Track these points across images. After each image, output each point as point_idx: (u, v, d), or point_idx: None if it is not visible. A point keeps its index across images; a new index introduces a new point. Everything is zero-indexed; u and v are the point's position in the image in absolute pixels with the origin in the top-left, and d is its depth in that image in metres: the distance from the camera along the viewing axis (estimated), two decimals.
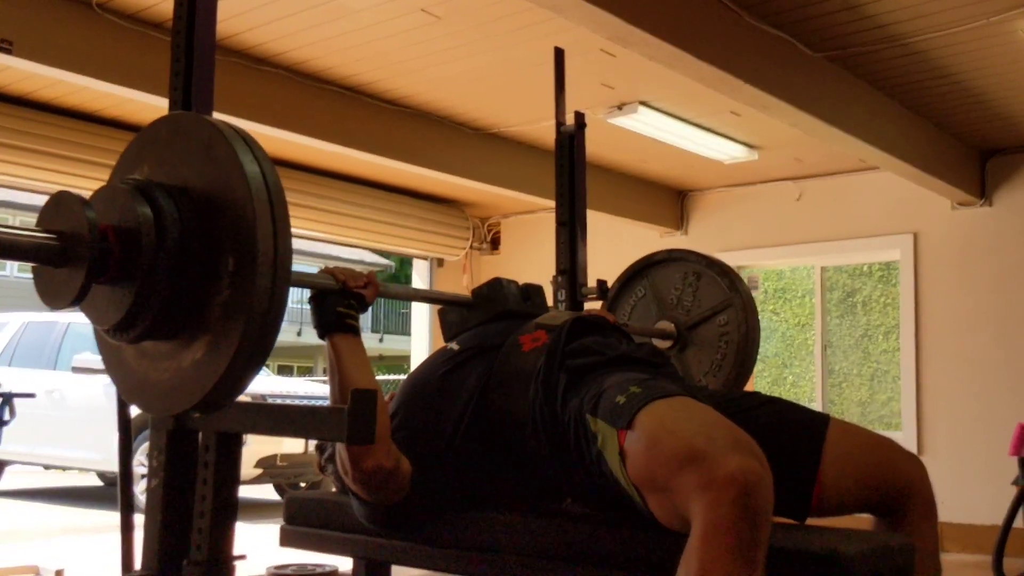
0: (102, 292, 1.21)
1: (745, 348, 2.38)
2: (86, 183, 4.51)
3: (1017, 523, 3.54)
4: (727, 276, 2.45)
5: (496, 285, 1.88)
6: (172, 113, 1.48)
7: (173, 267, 1.17)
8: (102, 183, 1.30)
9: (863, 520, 1.56)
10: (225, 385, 1.16)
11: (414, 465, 1.56)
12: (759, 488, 1.18)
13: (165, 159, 1.25)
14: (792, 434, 1.56)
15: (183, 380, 1.20)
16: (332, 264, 1.77)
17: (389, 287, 1.75)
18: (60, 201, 1.21)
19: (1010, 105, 4.50)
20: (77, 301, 1.20)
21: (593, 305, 2.52)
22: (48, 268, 1.21)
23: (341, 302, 1.61)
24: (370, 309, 1.67)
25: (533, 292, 1.95)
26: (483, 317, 1.82)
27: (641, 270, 2.59)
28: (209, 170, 1.19)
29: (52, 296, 1.23)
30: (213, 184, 1.18)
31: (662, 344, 2.48)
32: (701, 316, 2.45)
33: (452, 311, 1.91)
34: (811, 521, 1.57)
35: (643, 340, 2.14)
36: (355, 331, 1.62)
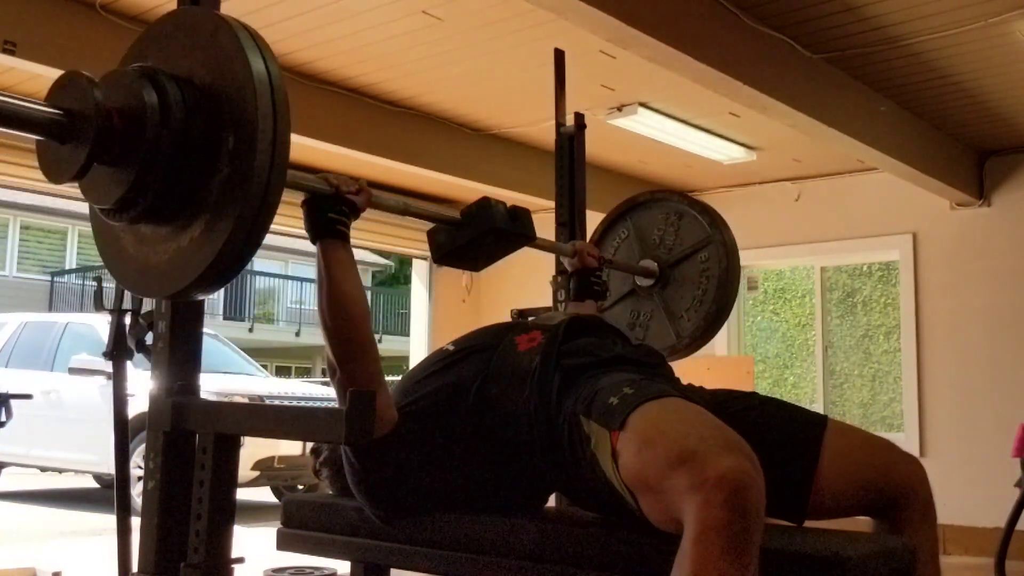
0: (103, 172, 1.24)
1: (725, 283, 2.45)
2: None
3: (1020, 526, 3.54)
4: (707, 214, 2.50)
5: (484, 203, 1.89)
6: (179, 7, 1.50)
7: (175, 148, 1.20)
8: None
9: (862, 522, 1.56)
10: (223, 261, 1.19)
11: (405, 455, 1.57)
12: (751, 489, 1.18)
13: (170, 51, 1.29)
14: (789, 435, 1.55)
15: (182, 259, 1.23)
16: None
17: (381, 196, 1.75)
18: (70, 80, 1.24)
19: (1008, 106, 4.50)
20: (79, 177, 1.23)
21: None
22: (53, 143, 1.24)
23: (333, 207, 1.61)
24: (359, 216, 1.67)
25: (521, 213, 1.96)
26: (471, 235, 1.85)
27: (625, 212, 2.63)
28: (212, 59, 1.23)
29: (54, 171, 1.25)
30: (216, 73, 1.22)
31: (645, 282, 2.54)
32: (682, 254, 2.51)
33: (441, 231, 1.92)
34: (810, 523, 1.56)
35: (639, 341, 2.14)
36: (345, 237, 1.62)
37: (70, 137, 1.21)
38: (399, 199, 1.90)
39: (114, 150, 1.20)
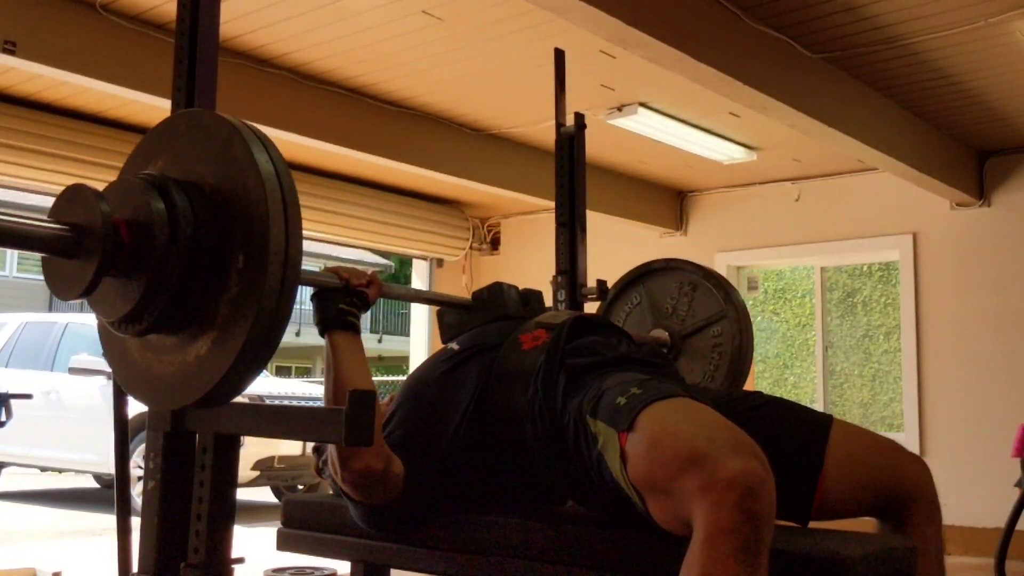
0: (111, 284, 1.22)
1: (738, 360, 2.39)
2: (90, 184, 4.50)
3: (1020, 525, 3.53)
4: (722, 288, 2.46)
5: (496, 289, 1.89)
6: (190, 109, 1.48)
7: (184, 262, 1.17)
8: (105, 183, 1.29)
9: (866, 523, 1.55)
10: (229, 382, 1.16)
11: (411, 465, 1.56)
12: (761, 490, 1.18)
13: (180, 155, 1.25)
14: (794, 435, 1.54)
15: (187, 375, 1.20)
16: (333, 263, 1.78)
17: (391, 287, 1.76)
18: (74, 193, 1.21)
19: (1009, 106, 4.50)
20: (87, 293, 1.20)
21: (590, 309, 2.51)
22: (60, 259, 1.21)
23: (343, 299, 1.61)
24: (369, 310, 1.68)
25: (532, 297, 1.96)
26: (481, 320, 1.82)
27: (638, 278, 2.59)
28: (224, 168, 1.19)
29: (62, 287, 1.23)
30: (227, 182, 1.19)
31: None
32: (695, 326, 2.46)
33: (450, 313, 1.91)
34: (813, 524, 1.55)
35: (643, 340, 2.13)
36: (355, 329, 1.62)
37: (77, 252, 1.18)
38: (409, 289, 1.90)
39: (121, 264, 1.18)
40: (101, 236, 1.15)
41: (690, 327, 2.47)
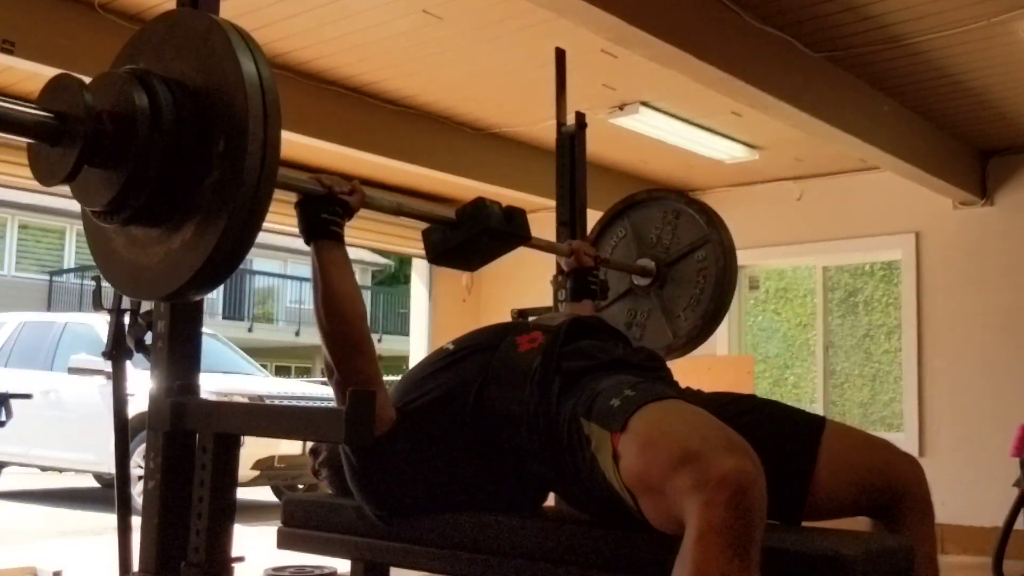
0: (94, 175, 1.24)
1: (722, 282, 2.44)
2: None
3: (1018, 525, 3.54)
4: (705, 213, 2.50)
5: (479, 203, 1.90)
6: (173, 9, 1.50)
7: (165, 150, 1.20)
8: None
9: (861, 522, 1.55)
10: (213, 264, 1.19)
11: (406, 452, 1.56)
12: (753, 489, 1.18)
13: (162, 53, 1.29)
14: (787, 436, 1.55)
15: (173, 261, 1.23)
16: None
17: (374, 197, 1.76)
18: (60, 83, 1.24)
19: (1011, 105, 4.50)
20: (69, 179, 1.23)
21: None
22: (44, 146, 1.24)
23: (326, 208, 1.61)
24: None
25: (516, 214, 1.96)
26: (465, 235, 1.86)
27: (622, 211, 2.63)
28: (204, 61, 1.23)
29: (46, 173, 1.26)
30: (208, 75, 1.22)
31: (642, 281, 2.53)
32: (680, 253, 2.51)
33: (436, 230, 1.92)
34: (808, 524, 1.56)
35: (638, 341, 2.14)
36: (339, 237, 1.62)
37: (60, 140, 1.21)
38: (393, 199, 1.90)
39: (104, 152, 1.20)
40: (84, 124, 1.18)
41: (675, 254, 2.51)
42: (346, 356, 1.55)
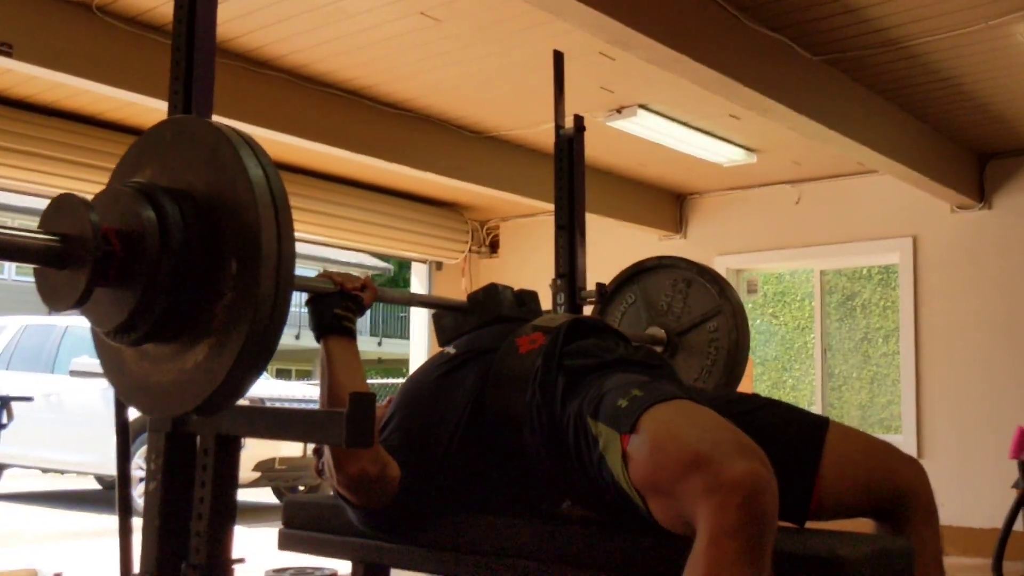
0: (104, 295, 1.21)
1: (735, 355, 2.40)
2: (86, 186, 4.52)
3: (1017, 526, 3.55)
4: (717, 283, 2.46)
5: (491, 291, 1.90)
6: (176, 116, 1.48)
7: (176, 270, 1.17)
8: (102, 186, 1.29)
9: (864, 524, 1.56)
10: (228, 387, 1.16)
11: (409, 468, 1.56)
12: (765, 492, 1.18)
13: (168, 163, 1.25)
14: (791, 437, 1.55)
15: (185, 382, 1.20)
16: (333, 267, 1.78)
17: (386, 291, 1.76)
18: (63, 203, 1.21)
19: (1009, 108, 4.51)
20: (80, 304, 1.20)
21: (588, 311, 2.52)
22: (51, 270, 1.21)
23: (339, 304, 1.61)
24: (368, 312, 1.68)
25: (528, 298, 1.96)
26: (477, 322, 1.83)
27: (631, 276, 2.60)
28: (213, 174, 1.19)
29: (54, 298, 1.23)
30: (217, 189, 1.19)
31: None
32: (691, 323, 2.47)
33: (446, 315, 1.92)
34: (811, 524, 1.56)
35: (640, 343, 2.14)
36: (351, 334, 1.62)
37: (68, 263, 1.18)
38: (405, 292, 1.91)
39: (113, 273, 1.17)
40: (92, 246, 1.15)
41: (686, 323, 2.48)
42: (348, 457, 1.51)
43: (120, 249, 1.17)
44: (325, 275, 1.63)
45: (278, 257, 1.14)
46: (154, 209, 1.18)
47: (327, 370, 1.58)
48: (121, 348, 1.29)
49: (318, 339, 1.62)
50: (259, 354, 1.15)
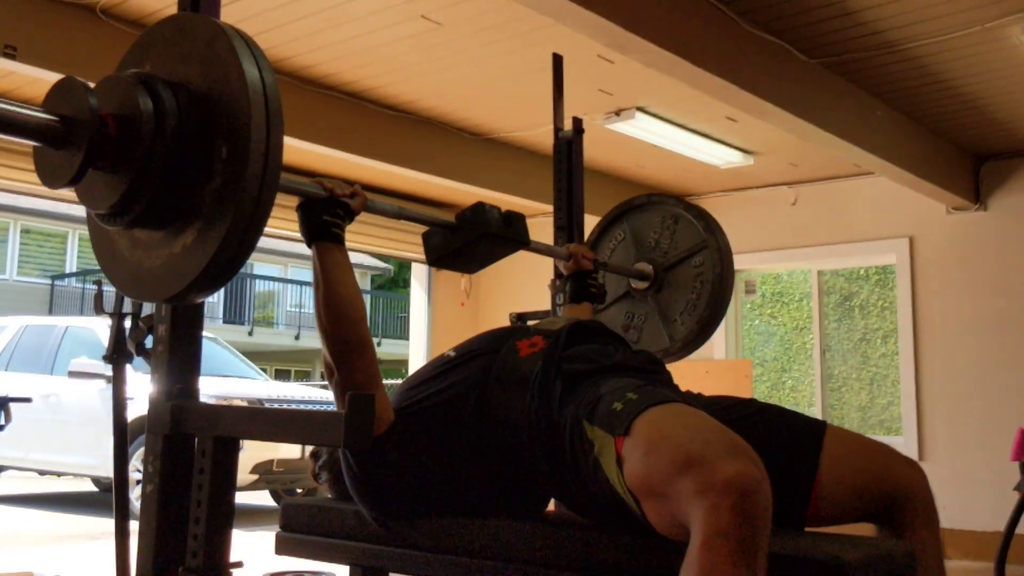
0: (99, 178, 1.25)
1: (719, 288, 2.45)
2: None
3: (1019, 529, 3.54)
4: (703, 219, 2.51)
5: (479, 208, 1.92)
6: (176, 13, 1.51)
7: (169, 155, 1.21)
8: None
9: (865, 528, 1.56)
10: (215, 268, 1.21)
11: (407, 451, 1.57)
12: (758, 493, 1.18)
13: (167, 56, 1.30)
14: (788, 441, 1.55)
15: (175, 265, 1.25)
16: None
17: (375, 201, 1.77)
18: (65, 86, 1.25)
19: (1005, 110, 4.52)
20: (74, 182, 1.24)
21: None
22: (49, 149, 1.25)
23: (328, 210, 1.62)
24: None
25: (515, 219, 1.98)
26: (465, 239, 1.88)
27: (621, 214, 2.65)
28: (208, 66, 1.24)
29: (50, 176, 1.27)
30: (212, 80, 1.23)
31: (640, 285, 2.56)
32: (677, 258, 2.52)
33: (436, 234, 1.94)
34: (810, 530, 1.56)
35: (640, 348, 2.15)
36: (340, 240, 1.63)
37: (65, 143, 1.22)
38: (393, 203, 1.92)
39: (109, 156, 1.22)
40: (88, 128, 1.19)
41: (673, 259, 2.53)
42: (346, 357, 1.56)
43: (116, 132, 1.21)
44: (315, 181, 1.65)
45: (266, 144, 1.19)
46: (151, 96, 1.22)
47: (319, 276, 1.59)
48: (115, 238, 1.34)
49: (308, 244, 1.63)
50: (245, 235, 1.20)
